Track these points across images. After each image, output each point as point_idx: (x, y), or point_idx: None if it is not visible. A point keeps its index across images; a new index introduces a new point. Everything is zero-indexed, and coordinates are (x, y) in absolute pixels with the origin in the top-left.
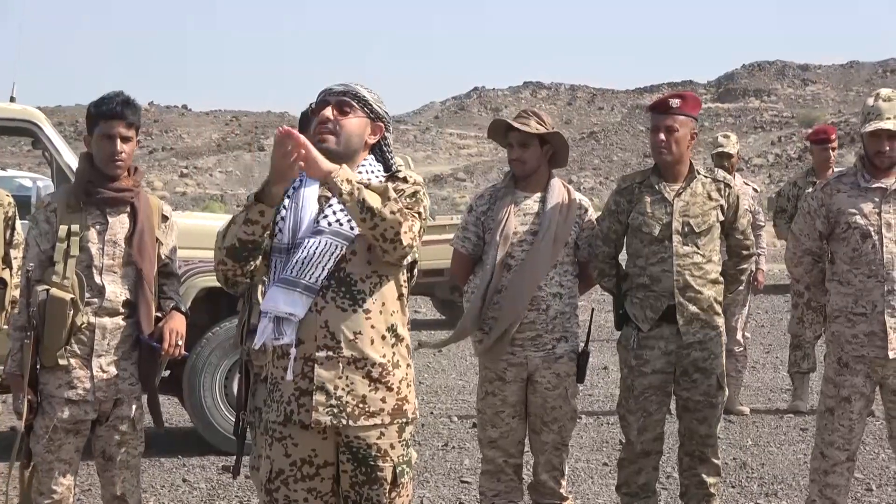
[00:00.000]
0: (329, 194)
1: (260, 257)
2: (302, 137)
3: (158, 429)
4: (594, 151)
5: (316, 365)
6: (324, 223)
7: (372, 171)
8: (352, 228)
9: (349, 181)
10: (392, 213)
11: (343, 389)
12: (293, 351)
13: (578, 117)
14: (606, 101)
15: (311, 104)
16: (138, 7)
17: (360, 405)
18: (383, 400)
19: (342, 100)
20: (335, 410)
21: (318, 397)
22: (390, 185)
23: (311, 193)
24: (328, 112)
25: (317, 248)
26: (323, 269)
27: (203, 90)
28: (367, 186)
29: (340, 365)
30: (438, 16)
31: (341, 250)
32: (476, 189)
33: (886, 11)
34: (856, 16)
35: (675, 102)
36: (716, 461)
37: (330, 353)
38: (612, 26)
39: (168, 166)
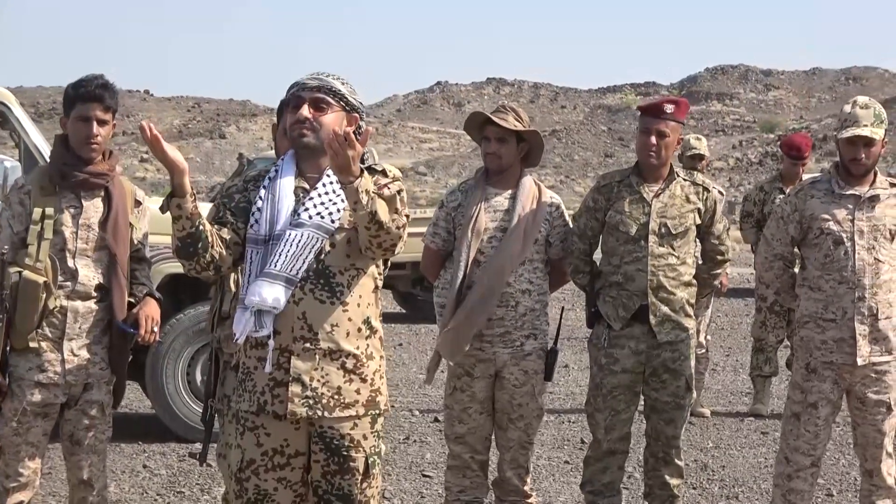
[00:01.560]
0: (306, 186)
1: (218, 248)
2: (351, 136)
3: (114, 409)
4: (555, 150)
5: (292, 356)
6: (304, 216)
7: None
8: (332, 221)
9: (367, 192)
10: (398, 227)
11: (318, 381)
12: (271, 342)
13: (541, 115)
14: (569, 100)
15: (289, 91)
16: None
17: (336, 397)
18: (357, 391)
19: (318, 97)
20: (311, 402)
21: (294, 388)
22: (399, 195)
23: (287, 184)
24: (305, 111)
25: (298, 241)
26: (304, 262)
27: (166, 75)
28: (379, 196)
29: (317, 356)
30: (403, 9)
31: (321, 243)
32: (437, 183)
33: (850, 19)
34: (819, 23)
35: (670, 108)
36: (679, 463)
37: (307, 345)
38: (577, 25)
39: (128, 151)
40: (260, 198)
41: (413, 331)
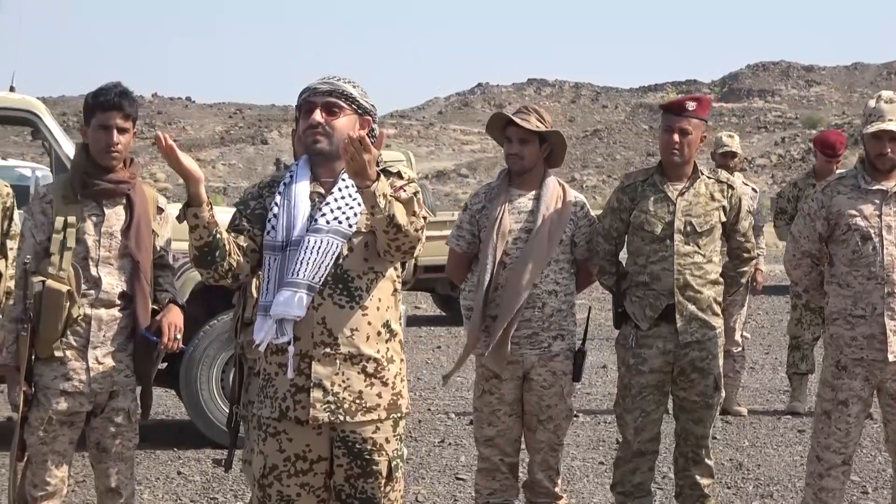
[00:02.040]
0: (322, 191)
1: (236, 256)
2: (366, 140)
3: (142, 418)
4: (597, 149)
5: (313, 361)
6: (322, 221)
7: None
8: (350, 226)
9: (385, 195)
10: (416, 230)
11: (340, 385)
12: (291, 348)
13: (582, 115)
14: (610, 100)
15: (300, 96)
16: None
17: (357, 401)
18: (379, 395)
19: (329, 101)
20: (332, 407)
21: (316, 394)
22: (416, 197)
23: (302, 190)
24: (318, 116)
25: (318, 248)
26: (325, 269)
27: (207, 82)
28: (396, 199)
29: (337, 361)
30: (444, 11)
31: (340, 248)
32: (479, 185)
33: (891, 13)
34: (860, 17)
35: (692, 105)
36: (709, 462)
37: (327, 350)
38: (618, 24)
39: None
40: (276, 204)
41: (452, 333)
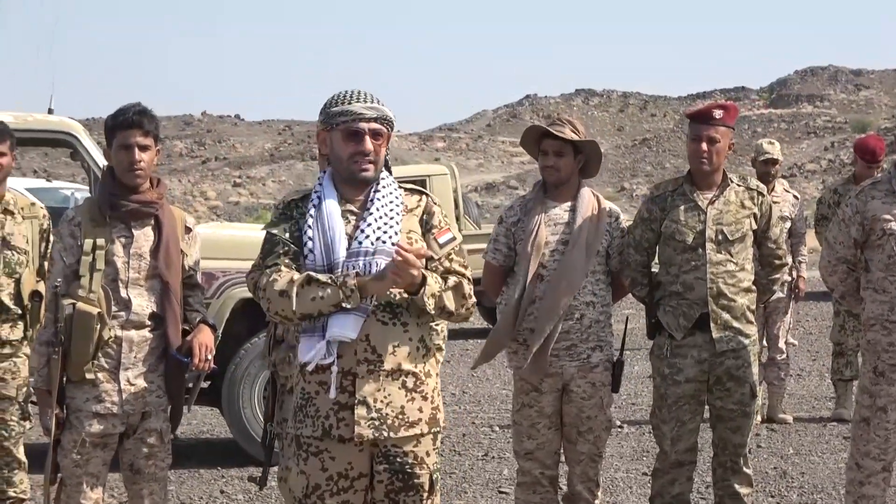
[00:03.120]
0: (353, 208)
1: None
2: (411, 258)
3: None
4: (646, 158)
5: (357, 379)
6: (367, 242)
7: (393, 194)
8: (393, 244)
9: (434, 295)
10: (466, 309)
11: (382, 402)
12: (335, 368)
13: (631, 124)
14: (659, 108)
15: (339, 116)
16: (189, 17)
17: (400, 416)
18: (420, 410)
19: (376, 127)
20: (376, 423)
21: (360, 411)
22: (464, 282)
23: (334, 210)
24: (369, 144)
25: (367, 270)
26: None
27: (255, 100)
28: (447, 287)
29: (381, 378)
30: (491, 24)
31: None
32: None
33: None
34: None
35: (719, 113)
36: (748, 471)
37: (371, 367)
38: (665, 33)
39: (221, 176)
40: (309, 227)
41: None
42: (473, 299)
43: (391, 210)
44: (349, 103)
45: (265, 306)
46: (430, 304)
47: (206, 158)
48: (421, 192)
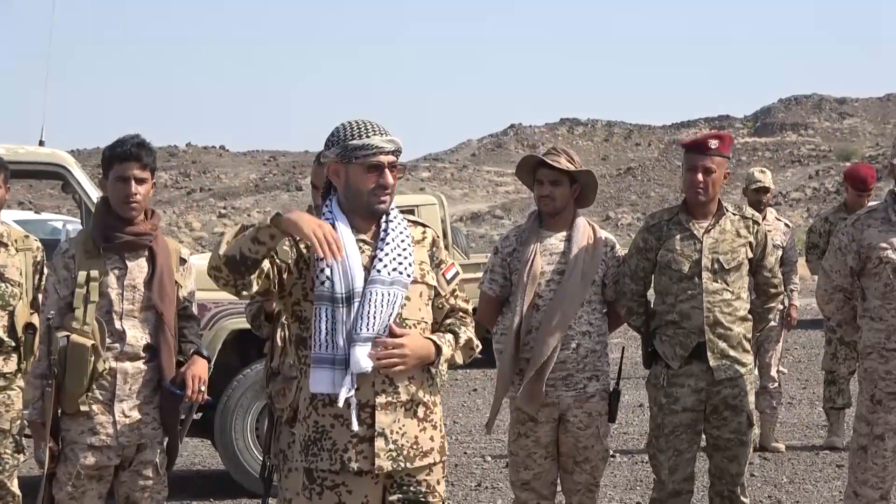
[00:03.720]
0: (367, 238)
1: (258, 277)
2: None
3: (167, 468)
4: (631, 187)
5: (375, 411)
6: (384, 272)
7: (402, 225)
8: (409, 275)
9: (447, 360)
10: (470, 357)
11: (398, 433)
12: (354, 401)
13: (615, 153)
14: (643, 137)
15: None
16: (174, 48)
17: (414, 446)
18: (431, 439)
19: (394, 161)
20: (394, 454)
21: (380, 443)
22: (471, 331)
23: (348, 237)
24: (390, 178)
25: (385, 300)
26: (389, 320)
27: (240, 131)
28: (459, 346)
29: (396, 409)
30: (474, 53)
31: (403, 298)
32: (514, 226)
33: None
34: (893, 48)
35: (714, 143)
36: (745, 500)
37: (389, 399)
38: (649, 62)
39: (206, 207)
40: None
41: (488, 376)
42: (479, 345)
43: (403, 241)
44: (368, 136)
45: (209, 269)
46: (444, 369)
47: (191, 189)
48: (424, 225)
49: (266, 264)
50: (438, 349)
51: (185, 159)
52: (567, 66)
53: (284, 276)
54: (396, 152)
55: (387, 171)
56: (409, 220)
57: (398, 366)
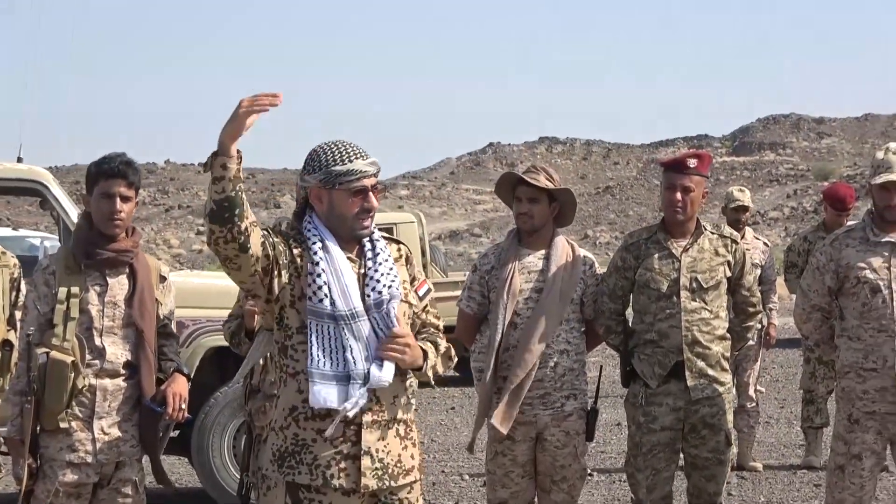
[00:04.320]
0: (353, 257)
1: (253, 224)
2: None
3: (168, 488)
4: (609, 206)
5: (362, 429)
6: (385, 292)
7: (382, 242)
8: (398, 289)
9: (433, 367)
10: (449, 368)
11: (383, 451)
12: (341, 414)
13: (594, 172)
14: (622, 156)
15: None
16: (153, 66)
17: (398, 464)
18: (412, 457)
19: (376, 184)
20: (379, 473)
21: (366, 462)
22: (440, 336)
23: (339, 255)
24: (375, 201)
25: (393, 314)
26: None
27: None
28: (440, 355)
29: (381, 427)
30: (453, 72)
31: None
32: (492, 244)
33: None
34: (870, 68)
35: (693, 162)
36: None
37: (374, 417)
38: (627, 81)
39: (185, 224)
40: (322, 270)
41: (465, 394)
42: (455, 358)
43: (389, 257)
44: (351, 161)
45: (208, 241)
46: (431, 375)
47: (170, 206)
48: (398, 242)
49: (260, 230)
50: (425, 354)
51: (164, 176)
52: (546, 84)
53: (276, 273)
54: (377, 174)
55: (370, 194)
56: (384, 238)
57: (403, 356)
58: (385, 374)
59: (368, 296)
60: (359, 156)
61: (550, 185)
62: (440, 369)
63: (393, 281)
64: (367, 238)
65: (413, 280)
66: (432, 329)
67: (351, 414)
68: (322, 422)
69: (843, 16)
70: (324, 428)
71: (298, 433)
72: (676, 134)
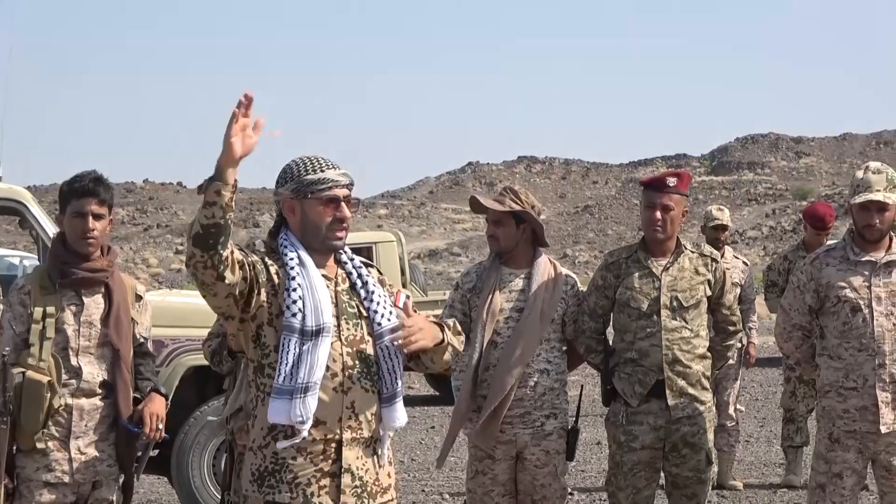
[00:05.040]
0: (329, 275)
1: (235, 252)
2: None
3: None
4: (588, 225)
5: (343, 447)
6: (384, 322)
7: (352, 259)
8: (390, 321)
9: (449, 343)
10: (461, 344)
11: (362, 469)
12: (304, 431)
13: (573, 191)
14: (601, 175)
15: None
16: (132, 84)
17: (376, 483)
18: (389, 475)
19: (349, 195)
20: (359, 491)
21: (346, 480)
22: (453, 321)
23: (314, 269)
24: (347, 212)
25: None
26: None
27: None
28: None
29: (360, 445)
30: (433, 91)
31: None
32: (471, 264)
33: (879, 83)
34: (848, 88)
35: (672, 181)
36: None
37: (354, 435)
38: (606, 100)
39: (163, 243)
40: (298, 285)
41: (445, 413)
42: (463, 335)
43: (377, 283)
44: (323, 171)
45: (186, 262)
46: (457, 344)
47: (148, 226)
48: (368, 264)
49: (239, 254)
50: (443, 328)
51: (143, 195)
52: (525, 104)
53: (255, 293)
54: (350, 185)
55: (343, 204)
56: (362, 262)
57: (419, 341)
58: (399, 415)
59: (374, 332)
60: (331, 166)
61: (514, 207)
62: (456, 344)
63: (387, 307)
64: (351, 266)
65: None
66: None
67: (305, 430)
68: (300, 440)
69: (822, 36)
70: (302, 447)
71: (278, 452)
72: (655, 153)
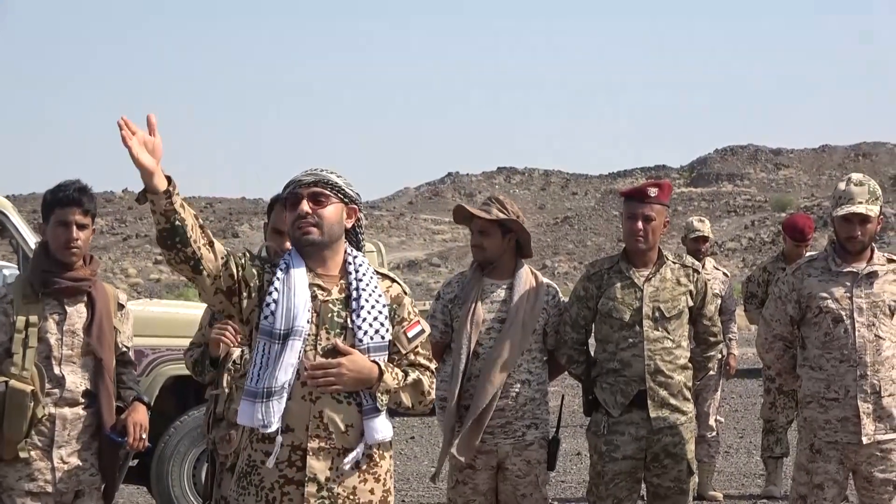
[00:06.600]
0: (322, 284)
1: (205, 249)
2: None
3: None
4: (568, 236)
5: (308, 455)
6: (366, 339)
7: (374, 280)
8: (385, 339)
9: (388, 391)
10: (424, 405)
11: (334, 481)
12: (279, 439)
13: (552, 202)
14: (580, 186)
15: (285, 189)
16: (109, 94)
17: (351, 497)
18: (371, 492)
19: (315, 191)
20: (327, 502)
21: (310, 488)
22: (425, 379)
23: (300, 278)
24: (305, 206)
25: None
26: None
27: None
28: (405, 384)
29: (332, 456)
30: (412, 102)
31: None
32: (451, 274)
33: (857, 95)
34: (827, 100)
35: (653, 192)
36: None
37: (322, 444)
38: (585, 112)
39: (142, 253)
40: (275, 289)
41: (426, 423)
42: (433, 396)
43: (378, 300)
44: (295, 177)
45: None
46: (384, 401)
47: (127, 235)
48: (392, 279)
49: (223, 250)
50: (381, 374)
51: (122, 205)
52: (504, 114)
53: (242, 292)
54: (320, 183)
55: (303, 201)
56: (377, 273)
57: (333, 384)
58: (379, 429)
59: (354, 346)
60: (306, 172)
61: (500, 216)
62: (405, 401)
63: (382, 326)
64: (353, 277)
65: (402, 321)
66: (421, 368)
67: (273, 427)
68: (269, 444)
69: (801, 47)
70: (270, 451)
71: (252, 455)
72: (635, 164)
